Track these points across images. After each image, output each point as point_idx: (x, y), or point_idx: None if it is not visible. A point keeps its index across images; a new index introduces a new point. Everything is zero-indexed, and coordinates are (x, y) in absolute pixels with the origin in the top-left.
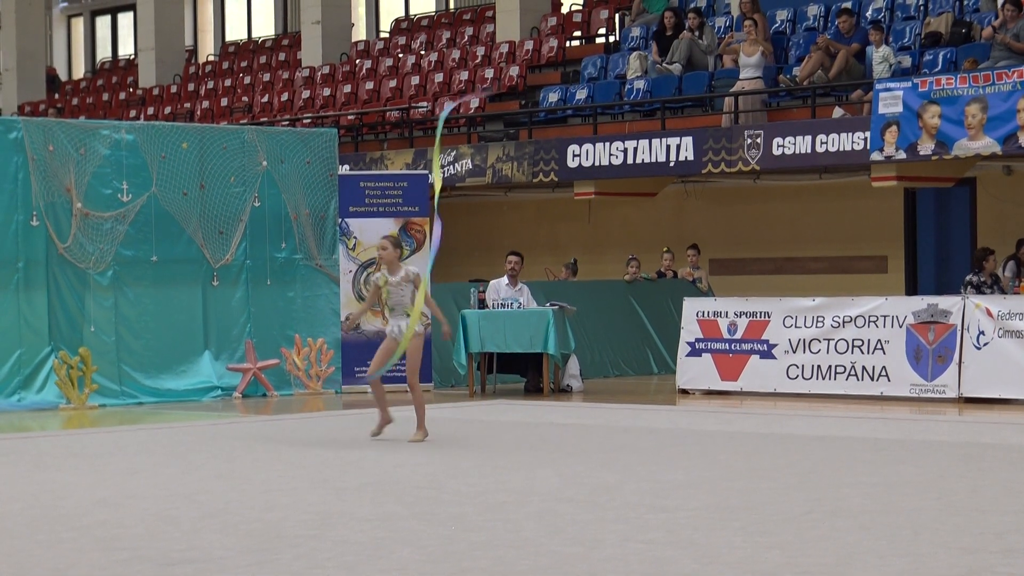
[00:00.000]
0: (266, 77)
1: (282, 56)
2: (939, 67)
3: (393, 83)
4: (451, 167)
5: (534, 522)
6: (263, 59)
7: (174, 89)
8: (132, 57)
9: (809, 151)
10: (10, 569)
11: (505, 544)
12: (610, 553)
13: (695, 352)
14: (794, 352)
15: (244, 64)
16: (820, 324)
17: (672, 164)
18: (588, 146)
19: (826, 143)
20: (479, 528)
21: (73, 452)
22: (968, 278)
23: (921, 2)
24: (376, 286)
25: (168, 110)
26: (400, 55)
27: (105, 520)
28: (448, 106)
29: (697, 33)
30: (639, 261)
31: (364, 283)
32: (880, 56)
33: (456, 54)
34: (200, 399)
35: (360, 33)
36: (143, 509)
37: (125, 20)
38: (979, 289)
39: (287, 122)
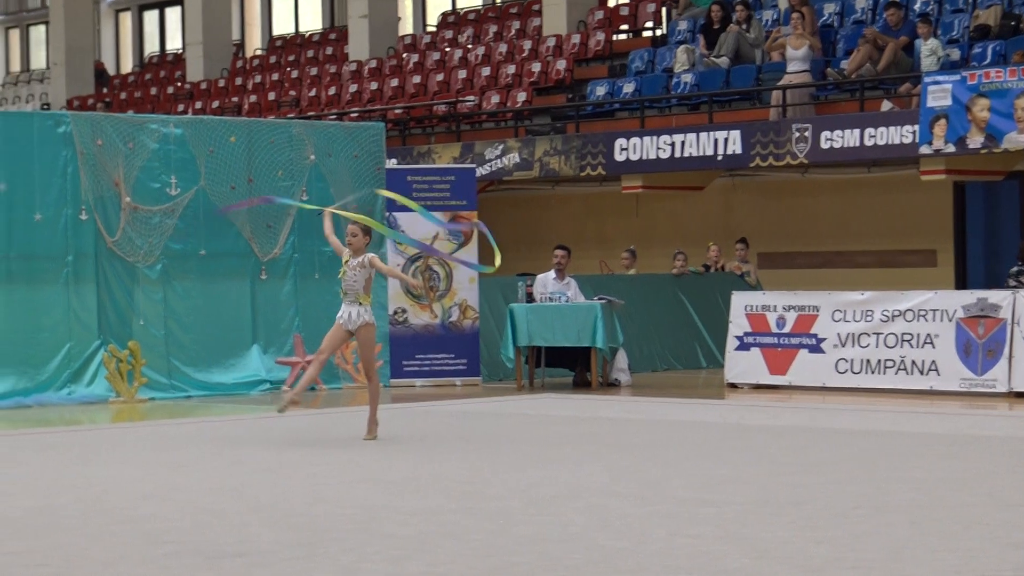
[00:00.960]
0: (313, 71)
1: (329, 50)
2: (988, 60)
3: (440, 77)
4: (498, 160)
5: (582, 516)
6: (310, 53)
7: (222, 83)
8: (180, 51)
9: (857, 144)
10: (59, 562)
11: (552, 538)
12: (658, 548)
13: (743, 346)
14: (843, 346)
15: (291, 58)
16: (869, 318)
17: (720, 158)
18: (635, 140)
19: (874, 136)
20: (526, 522)
21: (122, 445)
22: (1012, 270)
23: None
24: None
25: (216, 104)
26: (447, 49)
27: (153, 513)
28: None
29: (744, 26)
30: (686, 255)
31: (412, 277)
32: (928, 49)
33: (503, 48)
34: (248, 393)
35: (407, 27)
36: (191, 502)
37: (173, 14)
38: (1019, 280)
39: (334, 116)
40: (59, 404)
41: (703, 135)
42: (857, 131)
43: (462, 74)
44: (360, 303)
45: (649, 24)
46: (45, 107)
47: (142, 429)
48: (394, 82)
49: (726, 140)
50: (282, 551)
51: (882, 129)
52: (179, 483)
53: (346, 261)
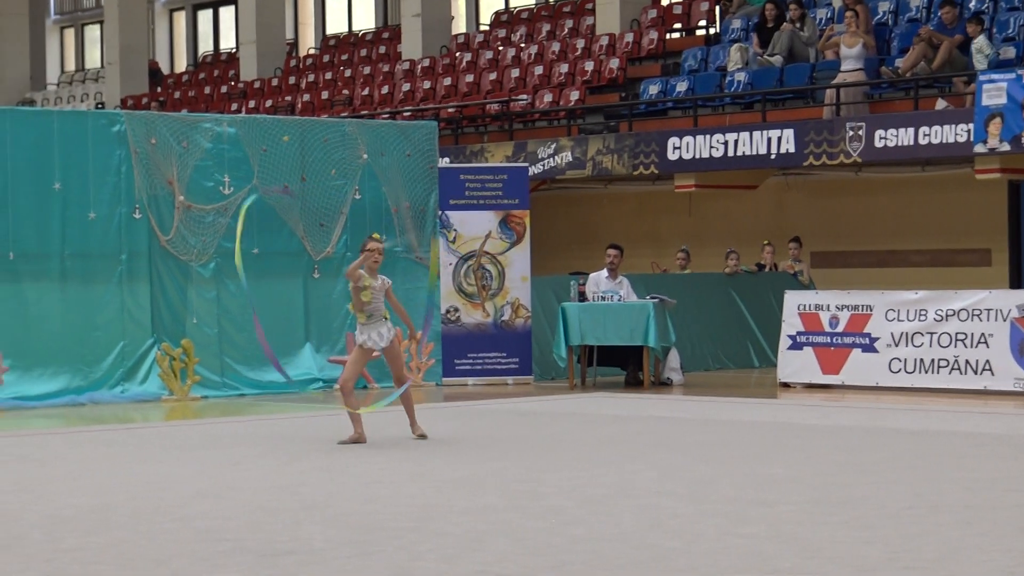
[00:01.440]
0: (366, 70)
1: (382, 49)
2: None
3: (493, 76)
4: (551, 159)
5: (633, 515)
6: (363, 52)
7: (275, 82)
8: (233, 50)
9: (912, 143)
10: (113, 559)
11: (604, 537)
12: (710, 547)
13: (796, 345)
14: (896, 346)
15: (344, 57)
16: (923, 317)
17: (773, 156)
18: (688, 138)
19: (929, 135)
20: (578, 521)
21: (175, 443)
22: None
23: None
24: (359, 287)
25: (269, 103)
26: (500, 48)
27: (206, 511)
28: None
29: (798, 25)
30: (739, 254)
31: (464, 275)
32: (976, 48)
33: (556, 47)
34: (301, 391)
35: (460, 26)
36: (244, 500)
37: (227, 13)
38: None
39: (387, 115)
40: (112, 402)
41: (756, 134)
42: (911, 130)
43: (515, 73)
44: (385, 319)
45: (702, 23)
46: (100, 106)
47: (195, 427)
48: (447, 81)
49: (779, 139)
50: (335, 549)
51: (936, 128)
52: (232, 481)
53: (367, 286)
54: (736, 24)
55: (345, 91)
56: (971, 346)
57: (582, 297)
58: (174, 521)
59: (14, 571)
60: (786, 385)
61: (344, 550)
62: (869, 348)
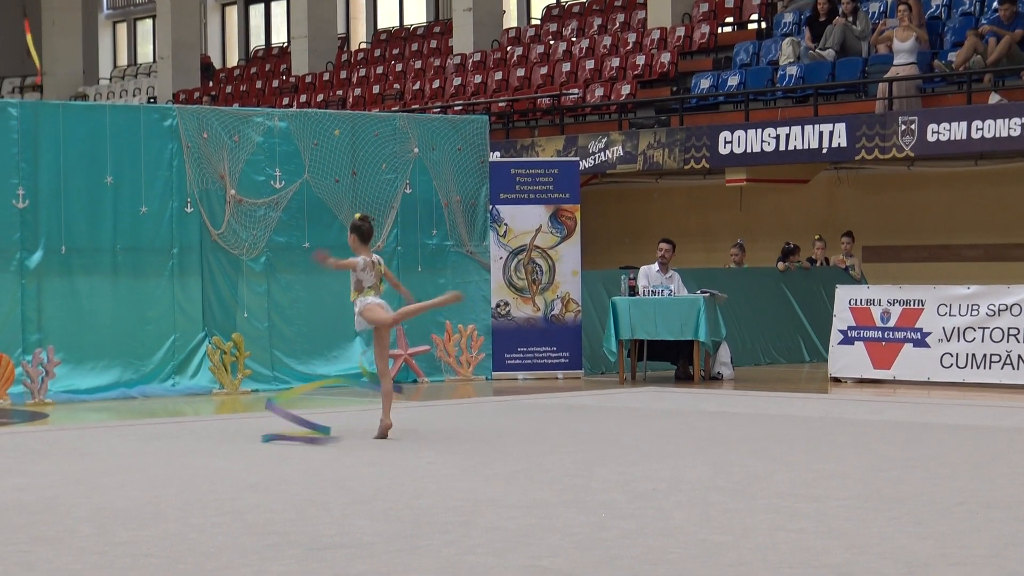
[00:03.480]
0: (417, 64)
1: (433, 43)
2: None
3: (544, 70)
4: (602, 153)
5: (683, 510)
6: (414, 46)
7: (326, 76)
8: (285, 45)
9: (965, 137)
10: (164, 552)
11: (655, 532)
12: (760, 542)
13: (847, 340)
14: (948, 341)
15: (396, 51)
16: (975, 312)
17: (825, 151)
18: (740, 132)
19: (982, 129)
20: (628, 516)
21: (226, 437)
22: None
23: None
24: (372, 263)
25: (320, 97)
26: (551, 42)
27: (256, 505)
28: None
29: (851, 18)
30: (798, 247)
31: (515, 270)
32: None
33: (607, 41)
34: (351, 385)
35: (511, 20)
36: (294, 494)
37: (278, 8)
38: None
39: (438, 109)
40: (163, 395)
41: (808, 128)
42: (964, 124)
43: (566, 67)
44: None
45: (754, 16)
46: (152, 101)
47: (245, 421)
48: (498, 75)
49: (831, 133)
50: (384, 543)
51: (990, 122)
52: (283, 475)
53: (363, 268)
54: (788, 18)
55: (396, 85)
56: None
57: (632, 291)
58: (224, 514)
59: (65, 564)
60: (837, 380)
61: (393, 544)
62: (921, 343)
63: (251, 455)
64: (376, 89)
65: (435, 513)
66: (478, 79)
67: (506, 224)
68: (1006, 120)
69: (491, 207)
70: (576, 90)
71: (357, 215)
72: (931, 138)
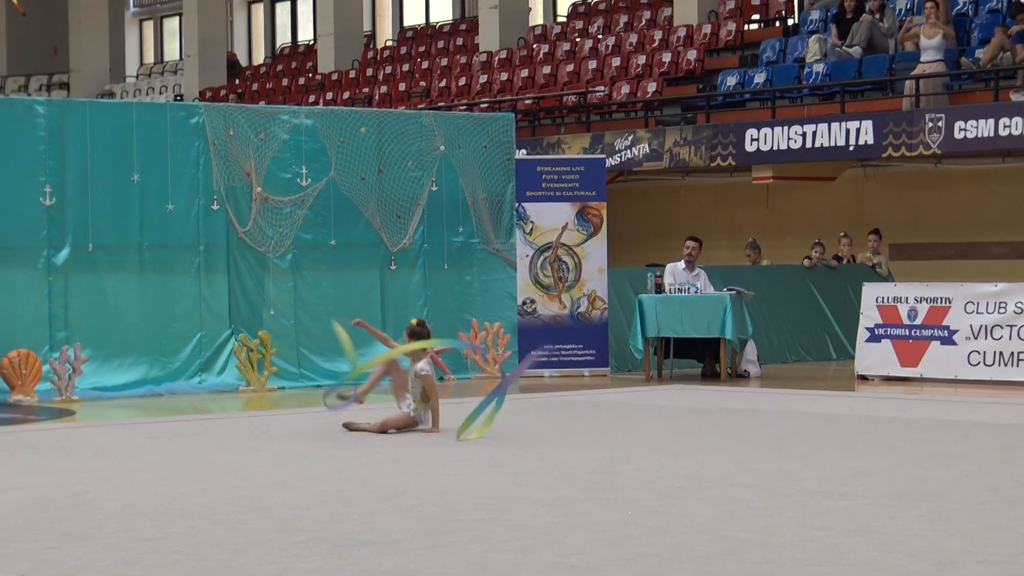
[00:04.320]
0: (444, 62)
1: (460, 41)
2: None
3: (570, 67)
4: (628, 151)
5: (710, 508)
6: (441, 44)
7: (352, 74)
8: (311, 43)
9: (992, 135)
10: (191, 549)
11: (681, 529)
12: (787, 540)
13: (874, 338)
14: (975, 338)
15: (422, 49)
16: (1003, 310)
17: (852, 148)
18: (766, 130)
19: (1009, 126)
20: (654, 513)
21: (252, 434)
22: None
23: None
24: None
25: (346, 95)
26: (577, 39)
27: (283, 502)
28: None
29: (878, 15)
30: (823, 247)
31: (541, 267)
32: None
33: (633, 38)
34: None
35: (537, 17)
36: (320, 491)
37: (304, 6)
38: None
39: (464, 107)
40: (190, 392)
41: (835, 125)
42: (991, 121)
43: (592, 64)
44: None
45: (781, 13)
46: (178, 98)
47: (272, 418)
48: (524, 72)
49: (858, 130)
50: (411, 540)
51: (1017, 119)
52: (309, 472)
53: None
54: (815, 15)
55: (422, 83)
56: None
57: (659, 289)
58: (251, 511)
59: (92, 561)
60: (864, 378)
61: (420, 541)
62: (948, 341)
63: (277, 452)
64: (402, 87)
65: (461, 510)
66: (504, 76)
67: (532, 221)
68: None
69: (517, 204)
70: (602, 87)
71: (413, 321)
72: (958, 135)
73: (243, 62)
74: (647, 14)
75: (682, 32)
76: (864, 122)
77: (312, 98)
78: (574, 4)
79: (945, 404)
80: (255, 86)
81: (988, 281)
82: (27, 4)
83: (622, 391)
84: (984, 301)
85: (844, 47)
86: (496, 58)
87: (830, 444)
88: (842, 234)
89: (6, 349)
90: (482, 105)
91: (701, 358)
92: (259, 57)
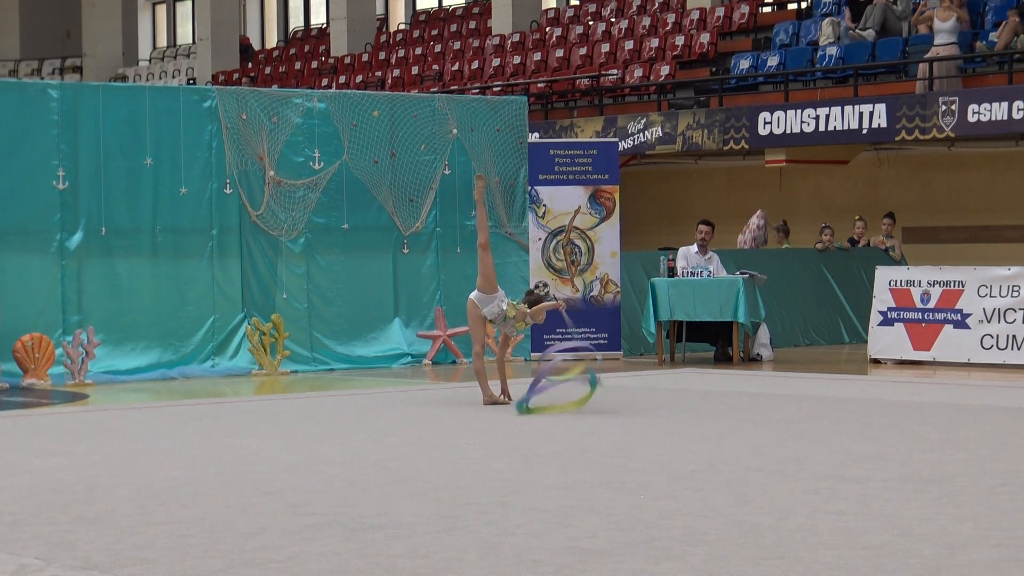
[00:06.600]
0: (456, 45)
1: (472, 24)
2: None
3: (583, 51)
4: (641, 134)
5: (723, 491)
6: (453, 27)
7: (365, 58)
8: (324, 26)
9: (1006, 118)
10: (204, 533)
11: (694, 513)
12: (800, 523)
13: (887, 321)
14: (988, 322)
15: (435, 32)
16: (1016, 294)
17: (865, 131)
18: (779, 113)
19: (1023, 110)
20: (668, 497)
21: (265, 418)
22: None
23: None
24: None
25: (359, 78)
26: (590, 22)
27: (296, 485)
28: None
29: None
30: (833, 230)
31: (553, 251)
32: None
33: (646, 21)
34: (390, 366)
35: (550, 1)
36: (333, 475)
37: None
38: None
39: (477, 90)
40: (203, 376)
41: (848, 109)
42: (1005, 104)
43: (605, 48)
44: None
45: None
46: (191, 82)
47: (285, 402)
48: (537, 56)
49: (871, 114)
50: (424, 523)
51: None
52: (322, 455)
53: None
54: None
55: (435, 66)
56: None
57: (671, 272)
58: (264, 495)
59: (106, 544)
60: (877, 361)
61: (433, 525)
62: (961, 324)
63: (290, 436)
64: (415, 70)
65: (474, 494)
66: (517, 60)
67: (545, 205)
68: None
69: (530, 188)
70: (615, 71)
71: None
72: (972, 119)
73: (256, 46)
74: None
75: (695, 15)
76: (877, 105)
77: (325, 82)
78: None
79: (958, 388)
80: (268, 70)
81: (1001, 265)
82: None
83: (635, 375)
84: (997, 285)
85: (858, 30)
86: (509, 41)
87: (843, 428)
88: (857, 217)
89: (19, 333)
90: (495, 88)
91: (714, 342)
92: (272, 41)
